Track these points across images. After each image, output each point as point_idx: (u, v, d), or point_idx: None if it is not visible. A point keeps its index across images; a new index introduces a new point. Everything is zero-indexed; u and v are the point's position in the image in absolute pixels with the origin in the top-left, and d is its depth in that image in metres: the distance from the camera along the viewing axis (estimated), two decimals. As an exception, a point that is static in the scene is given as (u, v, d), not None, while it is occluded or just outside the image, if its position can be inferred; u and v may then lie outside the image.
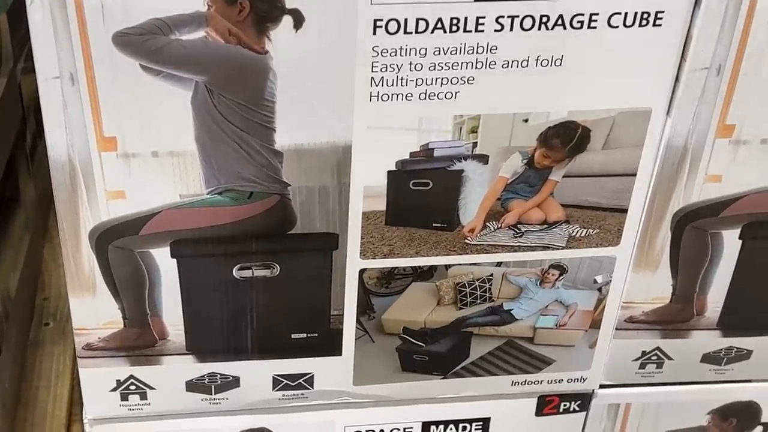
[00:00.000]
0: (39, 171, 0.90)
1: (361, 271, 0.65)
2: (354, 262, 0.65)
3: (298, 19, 0.55)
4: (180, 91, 0.56)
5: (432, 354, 0.70)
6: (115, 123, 0.57)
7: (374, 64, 0.57)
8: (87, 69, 0.55)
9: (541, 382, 0.73)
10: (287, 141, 0.59)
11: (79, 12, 0.53)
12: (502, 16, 0.56)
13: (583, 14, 0.57)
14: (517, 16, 0.56)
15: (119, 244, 0.62)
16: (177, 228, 0.61)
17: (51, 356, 0.85)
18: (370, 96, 0.58)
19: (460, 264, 0.66)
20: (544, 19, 0.57)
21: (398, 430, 0.74)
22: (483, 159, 0.62)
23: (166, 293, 0.64)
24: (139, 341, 0.66)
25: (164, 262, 0.63)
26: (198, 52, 0.55)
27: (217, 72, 0.56)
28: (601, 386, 0.74)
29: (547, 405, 0.74)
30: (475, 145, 0.61)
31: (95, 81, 0.55)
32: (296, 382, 0.70)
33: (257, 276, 0.64)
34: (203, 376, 0.69)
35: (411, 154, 0.61)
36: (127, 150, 0.58)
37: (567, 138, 0.62)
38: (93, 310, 0.64)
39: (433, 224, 0.64)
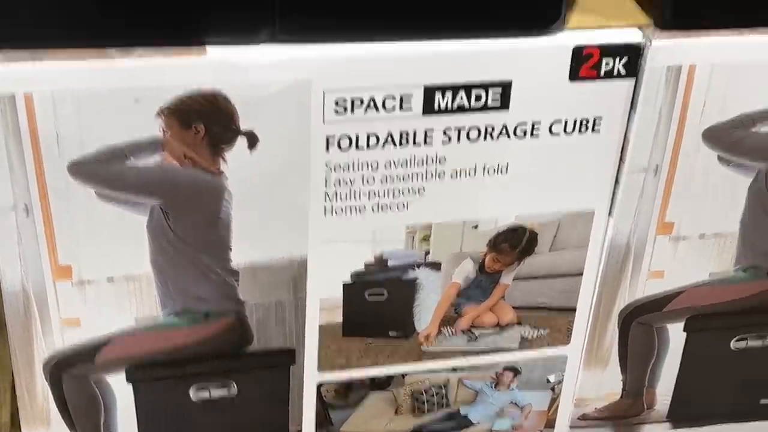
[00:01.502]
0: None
1: (319, 385, 0.65)
2: (312, 376, 0.65)
3: (252, 140, 0.55)
4: (135, 216, 0.56)
5: (391, 464, 0.70)
6: (70, 251, 0.56)
7: (327, 180, 0.58)
8: (42, 199, 0.54)
9: (500, 484, 0.73)
10: (243, 259, 0.59)
11: (34, 142, 0.53)
12: (450, 128, 0.58)
13: (525, 123, 0.59)
14: (464, 128, 0.58)
15: (74, 372, 0.60)
16: (133, 353, 0.61)
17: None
18: (325, 210, 0.59)
19: (416, 372, 0.67)
20: (490, 130, 0.58)
21: None
22: (436, 266, 0.63)
23: (122, 419, 0.63)
24: (94, 471, 0.65)
25: (119, 387, 0.62)
26: (154, 177, 0.55)
27: (173, 195, 0.56)
28: (558, 485, 0.75)
29: (507, 508, 0.74)
30: (427, 252, 0.62)
31: (50, 210, 0.55)
32: (255, 502, 0.69)
33: (214, 397, 0.64)
34: (160, 502, 0.67)
35: (365, 265, 0.62)
36: (82, 277, 0.57)
37: (516, 242, 0.63)
38: (46, 442, 0.63)
39: (389, 333, 0.65)
